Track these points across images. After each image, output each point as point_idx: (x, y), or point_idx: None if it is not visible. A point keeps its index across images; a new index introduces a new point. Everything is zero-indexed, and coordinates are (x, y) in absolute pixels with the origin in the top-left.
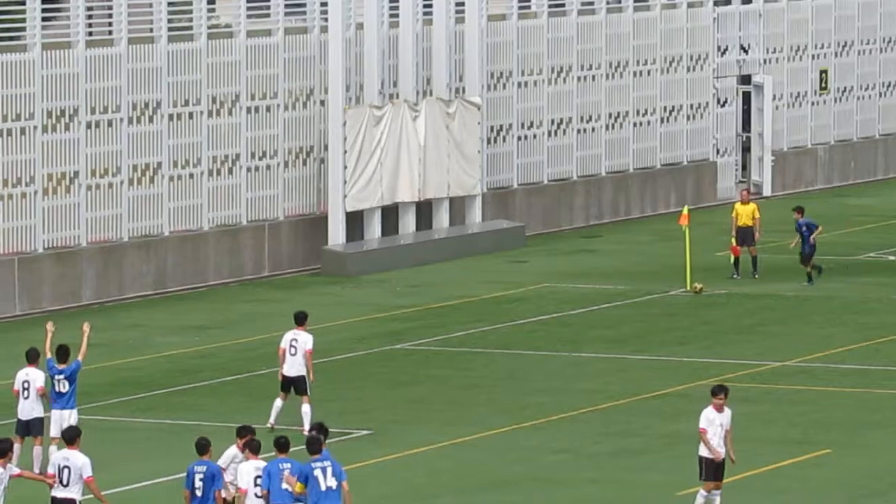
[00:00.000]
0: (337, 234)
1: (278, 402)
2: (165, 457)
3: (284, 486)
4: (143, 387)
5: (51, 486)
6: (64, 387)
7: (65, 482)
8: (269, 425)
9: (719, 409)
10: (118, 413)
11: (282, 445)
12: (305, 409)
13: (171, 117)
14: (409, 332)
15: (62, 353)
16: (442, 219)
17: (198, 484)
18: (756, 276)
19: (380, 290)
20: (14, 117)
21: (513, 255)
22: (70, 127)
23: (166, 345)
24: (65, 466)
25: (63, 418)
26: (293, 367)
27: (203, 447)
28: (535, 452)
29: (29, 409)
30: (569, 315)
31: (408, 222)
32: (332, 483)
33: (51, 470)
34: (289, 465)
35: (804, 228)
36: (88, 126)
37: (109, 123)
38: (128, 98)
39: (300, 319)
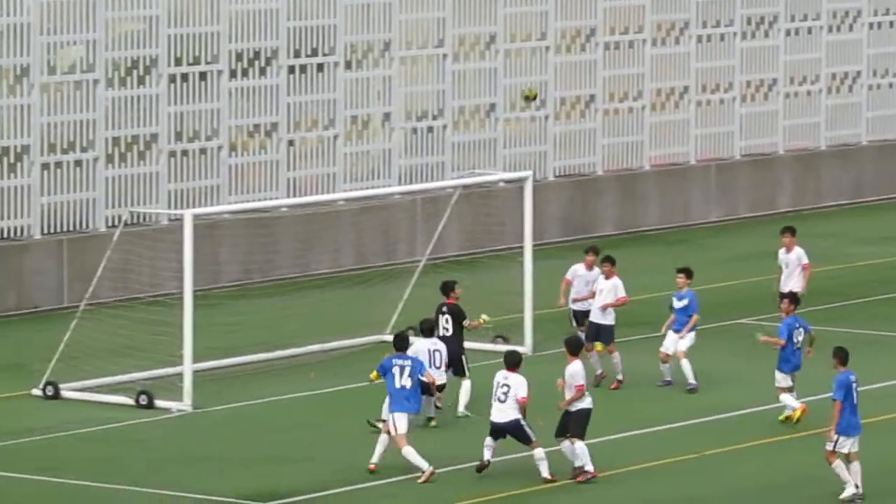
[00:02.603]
0: None
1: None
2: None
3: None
4: (838, 296)
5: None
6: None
7: (502, 399)
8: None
9: None
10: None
11: None
12: None
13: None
14: None
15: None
16: None
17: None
18: None
19: None
20: (668, 28)
21: None
22: (769, 34)
23: (860, 255)
24: (504, 384)
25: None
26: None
27: None
28: None
29: (600, 315)
30: None
31: None
32: (407, 382)
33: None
34: None
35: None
36: (787, 33)
37: (808, 31)
38: (827, 6)
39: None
